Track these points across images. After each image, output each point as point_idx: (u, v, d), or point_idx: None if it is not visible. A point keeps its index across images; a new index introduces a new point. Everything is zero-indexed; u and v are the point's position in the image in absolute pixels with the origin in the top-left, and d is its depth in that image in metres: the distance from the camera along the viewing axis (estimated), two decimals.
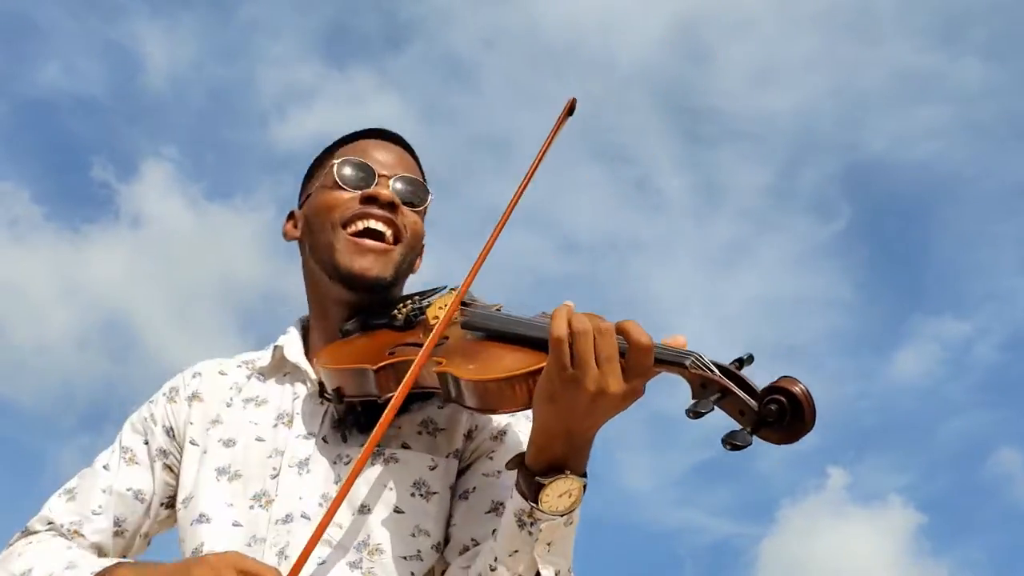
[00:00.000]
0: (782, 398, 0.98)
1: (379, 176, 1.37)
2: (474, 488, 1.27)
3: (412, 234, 1.38)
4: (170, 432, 1.39)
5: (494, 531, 1.17)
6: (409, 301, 1.35)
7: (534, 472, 1.08)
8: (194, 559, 1.13)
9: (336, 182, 1.37)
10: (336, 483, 1.25)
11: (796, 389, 0.98)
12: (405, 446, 1.28)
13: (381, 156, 1.40)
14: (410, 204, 1.39)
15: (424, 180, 1.45)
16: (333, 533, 1.22)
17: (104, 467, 1.39)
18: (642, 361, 1.03)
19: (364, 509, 1.24)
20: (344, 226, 1.34)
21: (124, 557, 1.36)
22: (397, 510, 1.24)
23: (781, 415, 0.98)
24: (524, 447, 1.21)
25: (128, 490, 1.37)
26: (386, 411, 1.14)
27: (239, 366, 1.44)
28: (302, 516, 1.24)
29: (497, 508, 1.23)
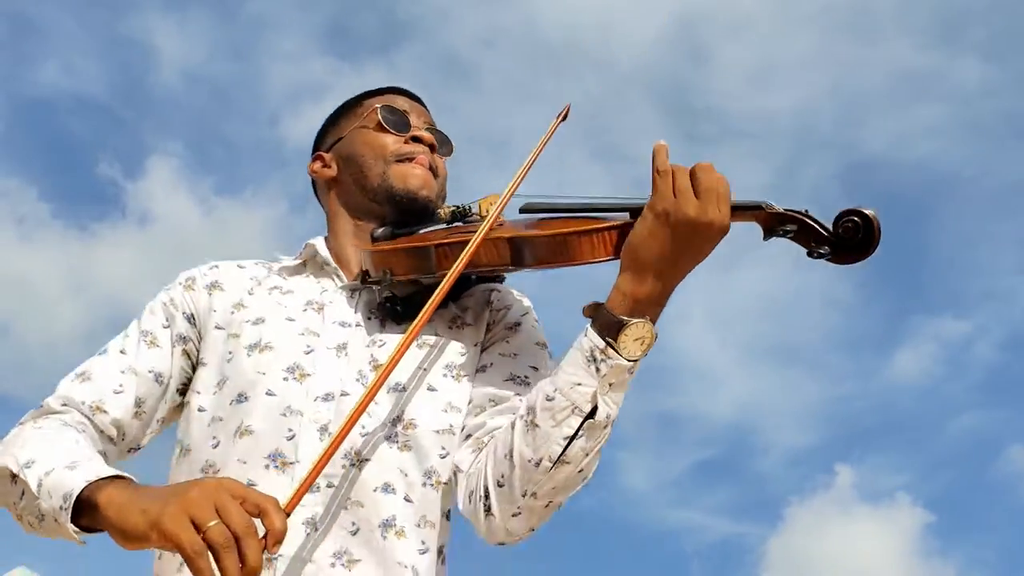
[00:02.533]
0: (856, 218, 1.15)
1: (412, 126, 1.48)
2: (491, 364, 1.37)
3: (443, 176, 1.50)
4: (191, 319, 1.40)
5: (515, 393, 1.31)
6: (447, 205, 1.43)
7: (617, 312, 1.16)
8: (191, 482, 1.07)
9: (381, 124, 1.48)
10: (370, 364, 1.32)
11: (868, 211, 1.16)
12: (438, 335, 1.37)
13: (411, 109, 1.52)
14: (442, 149, 1.51)
15: None
16: (371, 409, 1.26)
17: (121, 351, 1.37)
18: (724, 186, 1.16)
19: (399, 387, 1.31)
20: (397, 161, 1.45)
21: (138, 444, 1.37)
22: (430, 388, 1.32)
23: (854, 232, 1.16)
24: (536, 337, 1.41)
25: (149, 372, 1.36)
26: (451, 272, 1.23)
27: (256, 265, 1.49)
28: (342, 394, 1.28)
29: (515, 379, 1.34)
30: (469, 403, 1.34)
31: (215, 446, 1.28)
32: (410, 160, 1.45)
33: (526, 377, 1.34)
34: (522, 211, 1.36)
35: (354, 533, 1.22)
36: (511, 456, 1.21)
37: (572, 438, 1.17)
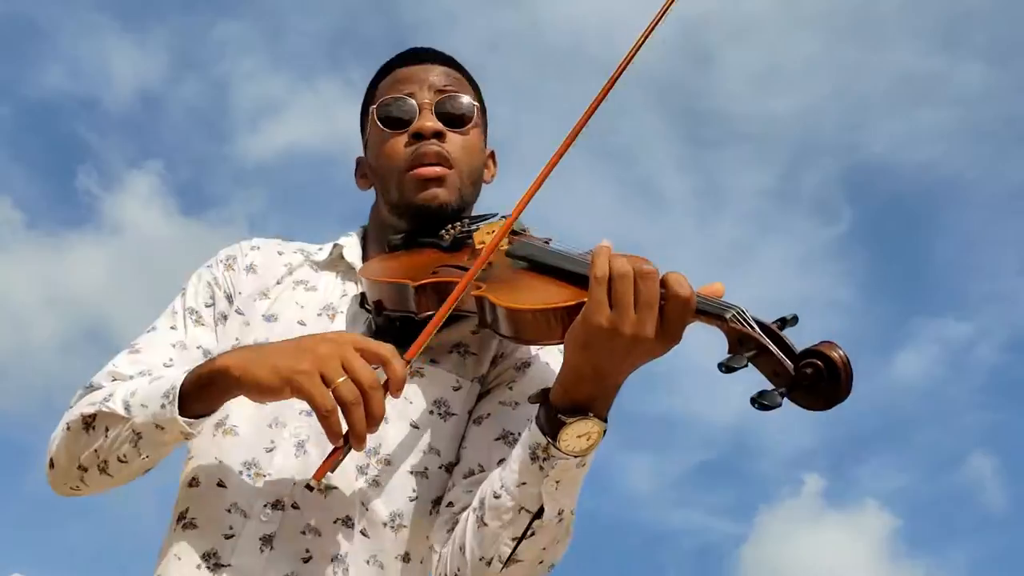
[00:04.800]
0: (819, 362, 0.95)
1: (420, 106, 1.36)
2: (488, 414, 1.27)
3: (462, 157, 1.36)
4: (229, 298, 1.37)
5: (501, 460, 1.17)
6: (458, 223, 1.34)
7: (557, 409, 1.06)
8: (316, 335, 1.12)
9: (382, 129, 1.37)
10: None
11: (834, 354, 0.95)
12: (434, 362, 1.28)
13: (418, 80, 1.39)
14: (456, 125, 1.37)
15: (474, 86, 1.45)
16: None
17: (171, 327, 1.35)
18: (681, 314, 1.00)
19: None
20: (406, 171, 1.34)
21: None
22: (413, 425, 1.25)
23: (816, 379, 0.95)
24: (547, 381, 1.23)
25: (198, 348, 1.32)
26: (425, 328, 1.12)
27: (296, 252, 1.44)
28: None
29: (506, 436, 1.23)
30: (457, 461, 1.25)
31: (198, 434, 1.22)
32: (418, 166, 1.33)
33: (520, 435, 1.18)
34: (508, 255, 1.23)
35: (306, 561, 1.18)
36: (464, 551, 1.15)
37: (521, 538, 1.10)
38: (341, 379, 1.03)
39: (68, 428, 1.23)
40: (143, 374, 1.26)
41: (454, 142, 1.36)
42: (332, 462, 1.06)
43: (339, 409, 1.03)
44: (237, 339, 1.32)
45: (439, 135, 1.34)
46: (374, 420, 1.04)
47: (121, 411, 1.17)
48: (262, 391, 1.09)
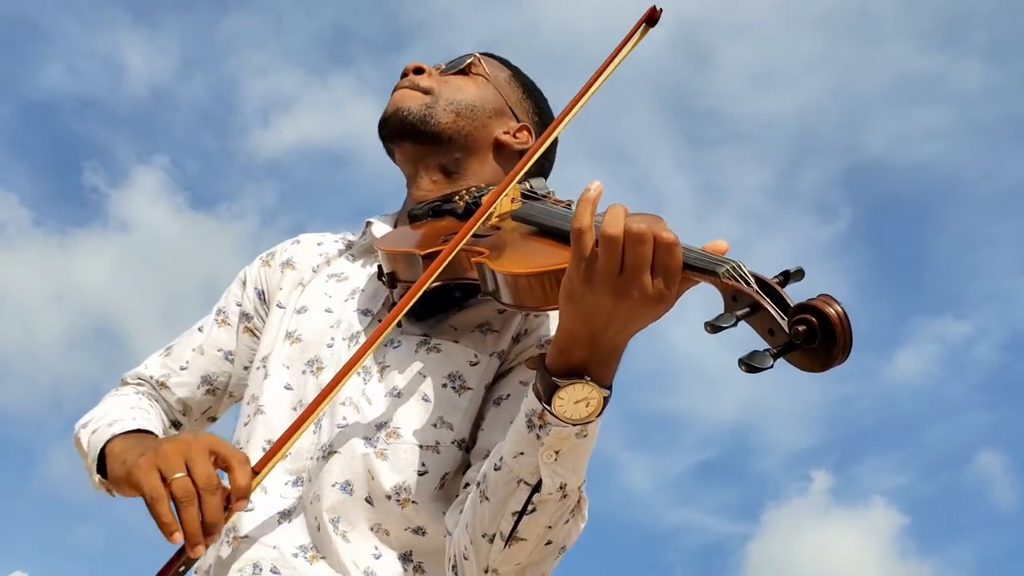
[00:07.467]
0: (812, 318, 0.85)
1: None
2: (507, 395, 1.22)
3: (443, 89, 1.41)
4: (261, 295, 1.44)
5: None
6: (474, 188, 1.32)
7: (551, 372, 1.00)
8: (173, 437, 1.09)
9: None
10: (380, 362, 1.25)
11: (830, 310, 0.85)
12: (456, 341, 1.25)
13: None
14: (450, 68, 1.44)
15: (513, 73, 1.49)
16: (362, 407, 1.22)
17: (199, 329, 1.45)
18: (667, 261, 0.93)
19: (394, 392, 1.22)
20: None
21: (214, 414, 1.46)
22: (425, 398, 1.22)
23: (810, 338, 0.85)
24: None
25: (219, 351, 1.43)
26: (413, 286, 1.12)
27: (336, 240, 1.47)
28: None
29: None
30: (475, 442, 1.21)
31: (245, 424, 1.30)
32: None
33: None
34: (514, 218, 1.19)
35: (317, 528, 1.19)
36: (468, 527, 1.09)
37: (521, 513, 1.04)
38: (178, 475, 1.01)
39: (75, 440, 1.33)
40: (159, 384, 1.41)
41: (442, 79, 1.42)
42: (170, 574, 1.04)
43: (170, 502, 1.01)
44: (277, 330, 1.35)
45: (419, 71, 1.42)
46: (210, 527, 1.01)
47: (85, 446, 1.27)
48: (117, 483, 1.17)
